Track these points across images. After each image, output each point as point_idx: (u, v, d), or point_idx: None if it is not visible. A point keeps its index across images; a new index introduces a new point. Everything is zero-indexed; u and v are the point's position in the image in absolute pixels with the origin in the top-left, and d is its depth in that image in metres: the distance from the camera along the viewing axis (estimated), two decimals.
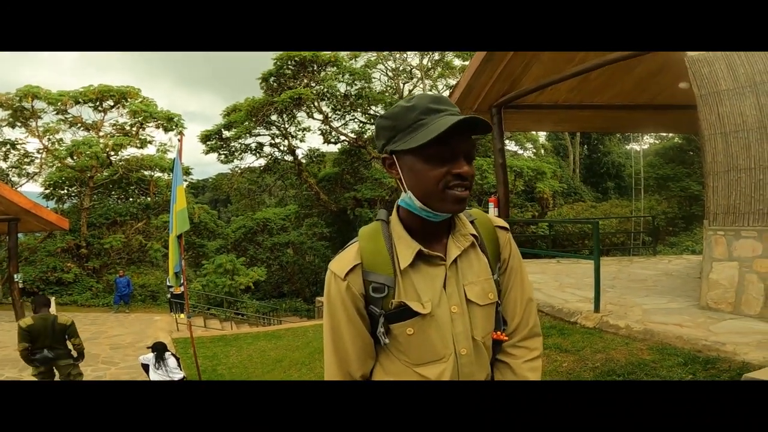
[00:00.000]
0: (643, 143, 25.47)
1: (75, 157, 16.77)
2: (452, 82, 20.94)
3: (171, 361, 5.58)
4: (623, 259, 8.75)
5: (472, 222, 1.07)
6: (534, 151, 24.36)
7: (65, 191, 18.17)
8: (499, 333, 1.06)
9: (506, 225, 1.12)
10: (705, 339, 3.39)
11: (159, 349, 5.62)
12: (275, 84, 18.43)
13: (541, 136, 25.09)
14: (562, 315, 4.56)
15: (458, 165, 0.92)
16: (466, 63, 18.13)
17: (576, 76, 6.57)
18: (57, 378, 4.56)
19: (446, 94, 21.36)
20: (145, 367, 5.65)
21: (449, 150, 0.91)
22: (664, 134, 21.82)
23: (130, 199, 19.75)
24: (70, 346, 4.68)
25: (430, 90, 22.23)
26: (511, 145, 23.19)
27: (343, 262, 1.00)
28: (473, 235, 1.04)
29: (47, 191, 17.68)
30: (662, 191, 18.72)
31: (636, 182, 17.95)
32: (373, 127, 20.06)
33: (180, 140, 6.46)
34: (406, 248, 0.98)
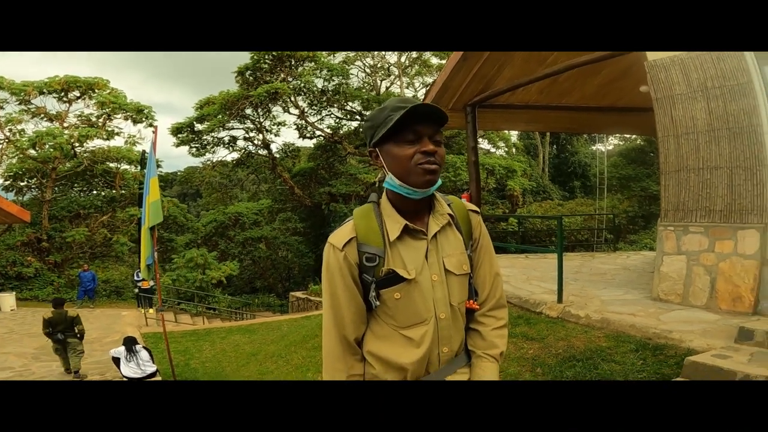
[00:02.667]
0: (608, 144, 26.52)
1: (38, 148, 16.11)
2: (429, 80, 21.20)
3: (143, 354, 5.53)
4: (586, 254, 9.17)
5: (449, 205, 1.25)
6: (506, 149, 24.94)
7: (25, 183, 17.42)
8: (471, 302, 1.24)
9: (478, 209, 1.31)
10: (655, 327, 3.66)
11: (129, 342, 5.56)
12: (251, 78, 18.17)
13: (513, 135, 25.71)
14: (529, 306, 4.80)
15: (423, 144, 1.11)
16: (443, 62, 18.38)
17: (546, 78, 6.84)
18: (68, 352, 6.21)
19: (423, 91, 21.62)
20: (116, 361, 5.58)
21: (415, 134, 1.10)
22: (627, 136, 22.78)
23: (94, 192, 19.09)
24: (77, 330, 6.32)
25: (407, 87, 22.46)
26: (484, 144, 23.66)
27: (340, 235, 1.15)
28: (450, 215, 1.22)
29: (6, 183, 16.94)
30: (624, 191, 19.56)
31: (600, 182, 18.72)
32: (350, 123, 19.99)
33: (155, 132, 6.38)
34: (394, 223, 1.15)
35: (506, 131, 22.98)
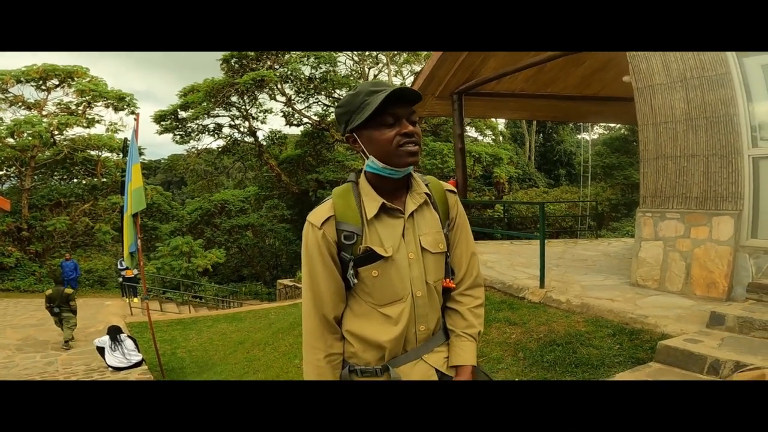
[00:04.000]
0: (593, 133, 26.83)
1: (16, 137, 15.68)
2: (417, 68, 21.04)
3: (128, 343, 5.52)
4: (569, 241, 9.34)
5: (426, 185, 1.27)
6: (493, 137, 25.04)
7: (4, 171, 16.97)
8: (448, 280, 1.27)
9: (454, 189, 1.34)
10: (632, 312, 3.76)
11: (113, 332, 5.54)
12: (237, 65, 17.87)
13: (500, 123, 25.81)
14: (512, 291, 4.89)
15: (403, 126, 1.13)
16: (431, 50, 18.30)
17: (530, 67, 6.89)
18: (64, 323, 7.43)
19: (411, 80, 21.48)
20: (101, 351, 5.56)
21: (393, 116, 1.12)
22: (612, 125, 23.06)
23: (75, 180, 18.70)
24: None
25: (395, 75, 22.29)
26: (471, 132, 23.72)
27: (318, 214, 1.17)
28: (427, 194, 1.24)
29: None
30: (608, 179, 19.84)
31: (584, 170, 18.97)
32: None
33: (136, 119, 6.29)
34: (372, 201, 1.17)
35: (493, 119, 23.05)
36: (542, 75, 8.05)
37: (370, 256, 1.15)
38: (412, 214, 1.20)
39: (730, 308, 3.36)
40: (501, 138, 25.20)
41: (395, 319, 1.17)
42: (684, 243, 4.20)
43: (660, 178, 4.35)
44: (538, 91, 8.69)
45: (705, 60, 4.05)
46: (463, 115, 8.32)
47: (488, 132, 24.37)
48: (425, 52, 20.51)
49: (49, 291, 7.57)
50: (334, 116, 1.32)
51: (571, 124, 25.83)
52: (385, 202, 1.17)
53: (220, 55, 17.81)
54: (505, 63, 7.25)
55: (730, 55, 3.93)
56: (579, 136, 27.30)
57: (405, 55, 21.72)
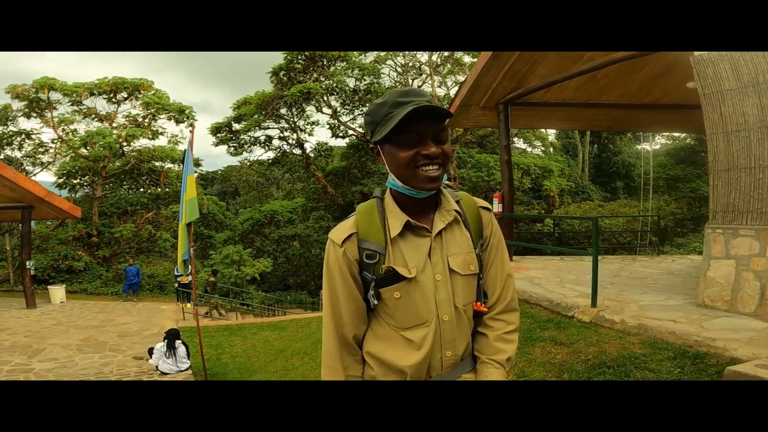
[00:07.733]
0: (654, 143, 25.23)
1: (89, 147, 17.09)
2: (461, 78, 20.89)
3: (181, 350, 5.73)
4: (627, 257, 8.74)
5: (457, 201, 1.17)
6: (542, 149, 24.23)
7: (78, 181, 18.52)
8: (479, 304, 1.16)
9: (489, 206, 1.23)
10: (697, 335, 3.42)
11: (171, 337, 5.76)
12: (285, 78, 18.58)
13: (551, 134, 24.95)
14: (560, 309, 4.61)
15: (425, 147, 1.03)
16: (476, 59, 18.09)
17: (582, 74, 6.58)
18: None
19: (455, 90, 21.34)
20: (150, 351, 5.80)
21: (416, 135, 1.03)
22: (676, 134, 21.60)
23: (141, 190, 20.08)
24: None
25: (439, 86, 22.24)
26: (519, 143, 23.09)
27: (340, 231, 1.11)
28: (457, 212, 1.14)
29: (60, 180, 18.03)
30: (672, 192, 18.55)
31: (645, 182, 17.83)
32: None
33: (192, 131, 6.62)
34: (396, 219, 1.09)
35: (542, 130, 22.32)
36: (595, 82, 7.67)
37: (393, 277, 1.07)
38: (440, 233, 1.11)
39: None
40: (551, 149, 24.33)
41: (418, 344, 1.09)
42: (759, 262, 3.78)
43: (732, 191, 3.95)
44: (591, 100, 8.27)
45: None
46: (509, 126, 8.08)
47: (537, 143, 23.63)
48: (469, 62, 20.35)
49: (212, 279, 13.52)
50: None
51: (629, 134, 24.47)
52: (410, 219, 1.09)
53: (269, 67, 18.59)
54: (553, 71, 6.97)
55: None
56: (638, 147, 25.83)
57: (449, 65, 21.64)
